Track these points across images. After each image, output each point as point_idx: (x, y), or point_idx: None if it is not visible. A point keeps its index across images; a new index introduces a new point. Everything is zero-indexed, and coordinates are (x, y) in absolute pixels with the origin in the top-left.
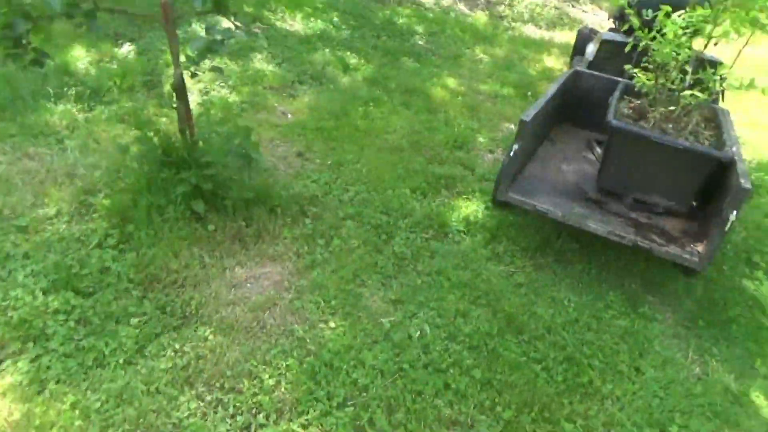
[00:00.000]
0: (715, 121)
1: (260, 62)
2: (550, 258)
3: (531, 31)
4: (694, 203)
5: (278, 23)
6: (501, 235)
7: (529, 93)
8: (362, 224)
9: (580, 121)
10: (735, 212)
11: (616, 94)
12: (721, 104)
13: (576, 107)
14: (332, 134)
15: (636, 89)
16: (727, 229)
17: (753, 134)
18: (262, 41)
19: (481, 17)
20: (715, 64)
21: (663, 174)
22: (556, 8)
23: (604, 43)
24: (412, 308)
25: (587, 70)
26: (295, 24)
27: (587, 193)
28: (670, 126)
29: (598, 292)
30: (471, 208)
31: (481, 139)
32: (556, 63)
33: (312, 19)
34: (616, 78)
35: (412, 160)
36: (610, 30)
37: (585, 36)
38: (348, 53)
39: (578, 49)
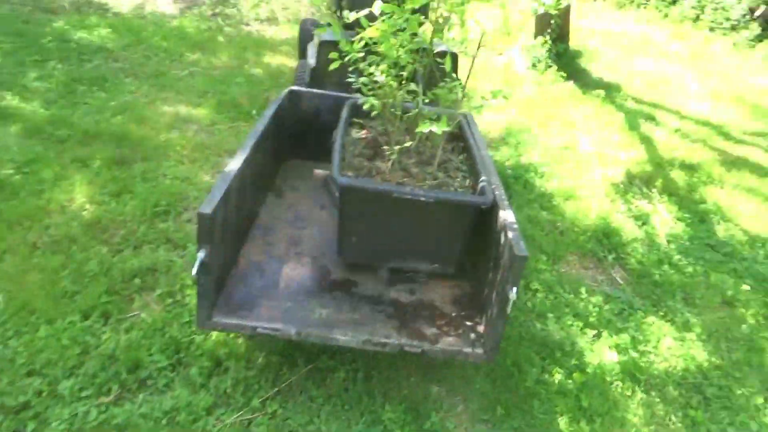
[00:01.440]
0: (463, 138)
1: None
2: (301, 375)
3: (256, 28)
4: (463, 259)
5: None
6: (227, 360)
7: (255, 111)
8: None
9: (311, 153)
10: (515, 288)
11: (342, 124)
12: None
13: (302, 137)
14: None
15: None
16: (509, 310)
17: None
18: None
19: (190, 19)
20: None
21: (418, 232)
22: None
23: (325, 45)
24: None
25: (304, 89)
26: None
27: (331, 274)
28: (413, 161)
29: (371, 409)
30: (180, 321)
31: (194, 193)
32: (289, 61)
33: None
34: (343, 95)
35: (88, 256)
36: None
37: (308, 32)
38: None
39: (301, 47)
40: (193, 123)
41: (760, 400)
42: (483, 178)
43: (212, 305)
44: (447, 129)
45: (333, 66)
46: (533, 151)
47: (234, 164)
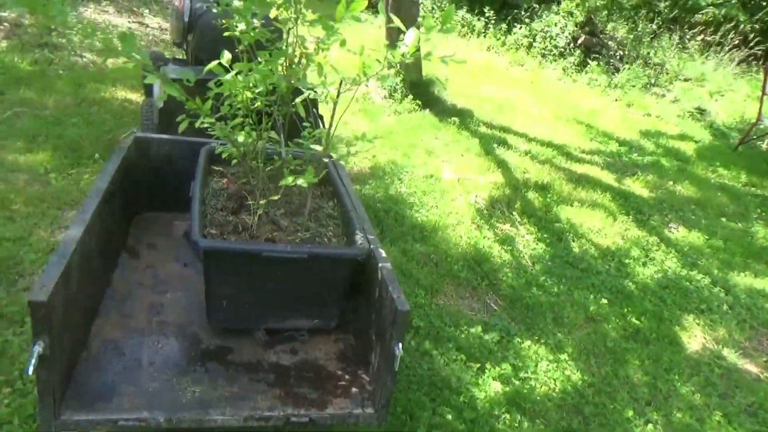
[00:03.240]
0: (332, 183)
1: None
2: None
3: (92, 60)
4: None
5: None
6: None
7: (98, 155)
8: None
9: (166, 204)
10: (400, 345)
11: (199, 174)
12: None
13: (154, 187)
14: None
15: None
16: (396, 367)
17: None
18: None
19: (10, 50)
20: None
21: (294, 289)
22: (113, 26)
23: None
24: None
25: (152, 135)
26: None
27: (201, 342)
28: (281, 212)
29: None
30: (22, 414)
31: (31, 256)
32: (134, 95)
33: None
34: (197, 140)
35: None
36: (177, 60)
37: (153, 65)
38: None
39: (146, 84)
40: (23, 172)
41: (630, 413)
42: (356, 226)
43: (59, 400)
44: (314, 181)
45: (181, 127)
46: (400, 182)
47: (72, 232)
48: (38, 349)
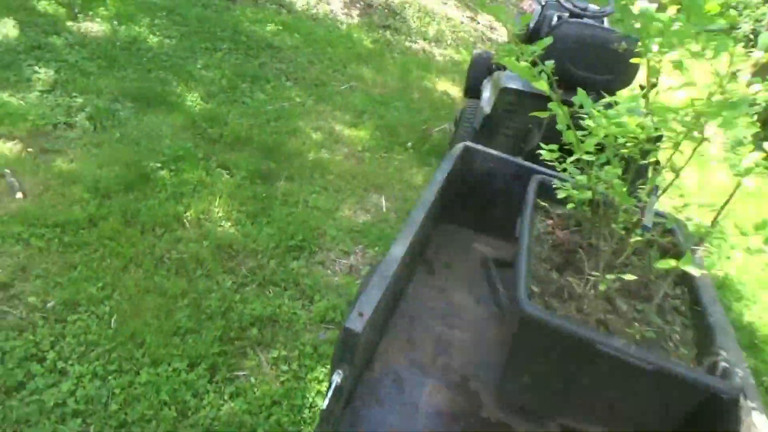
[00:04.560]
0: (690, 283)
1: (17, 87)
2: None
3: (422, 47)
4: None
5: (69, 22)
6: None
7: (410, 144)
8: None
9: (468, 221)
10: None
11: (527, 212)
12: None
13: (463, 199)
14: (80, 238)
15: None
16: None
17: None
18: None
19: (360, 27)
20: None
21: (613, 394)
22: (461, 23)
23: (505, 94)
24: None
25: (481, 148)
26: (94, 26)
27: (481, 408)
28: (617, 286)
29: None
30: (291, 401)
31: (332, 232)
32: (452, 89)
33: (122, 19)
34: (527, 165)
35: (210, 287)
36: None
37: (480, 66)
38: (166, 74)
39: (471, 84)
40: (345, 145)
41: None
42: (716, 340)
43: (336, 424)
44: (693, 270)
45: (548, 155)
46: None
47: (396, 251)
48: (337, 379)
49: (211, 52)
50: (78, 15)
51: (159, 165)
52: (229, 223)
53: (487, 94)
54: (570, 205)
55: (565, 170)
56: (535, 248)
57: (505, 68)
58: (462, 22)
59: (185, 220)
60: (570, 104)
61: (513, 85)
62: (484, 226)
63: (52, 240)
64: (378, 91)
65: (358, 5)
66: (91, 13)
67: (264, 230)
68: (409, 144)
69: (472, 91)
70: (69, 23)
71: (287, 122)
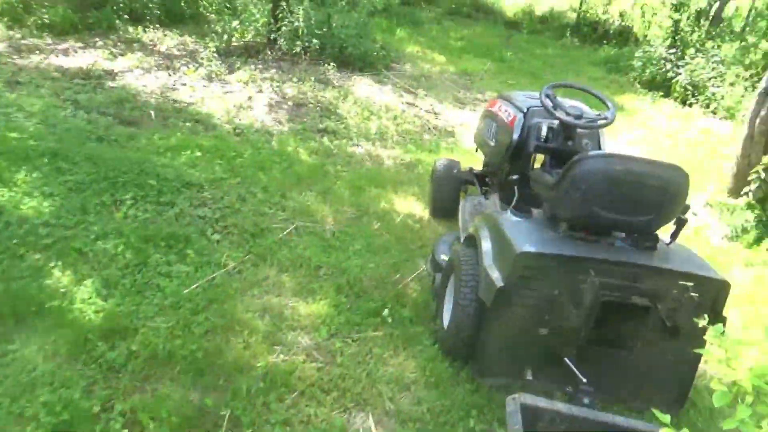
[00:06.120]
0: None
1: None
2: None
3: (367, 150)
4: None
5: None
6: None
7: (387, 311)
8: None
9: None
10: None
11: None
12: None
13: None
14: None
15: None
16: None
17: None
18: None
19: (292, 135)
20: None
21: None
22: (402, 112)
23: (522, 259)
24: None
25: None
26: None
27: None
28: None
29: None
30: None
31: None
32: (416, 209)
33: None
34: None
35: None
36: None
37: (448, 181)
38: (45, 260)
39: (439, 205)
40: (304, 332)
41: None
42: None
43: None
44: None
45: None
46: None
47: None
48: None
49: (109, 210)
50: None
51: None
52: None
53: (468, 221)
54: None
55: None
56: None
57: (476, 181)
58: (403, 111)
59: None
60: None
61: (531, 248)
62: None
63: None
64: (329, 227)
65: (284, 106)
66: None
67: None
68: (386, 312)
69: (441, 211)
70: None
71: (221, 309)
